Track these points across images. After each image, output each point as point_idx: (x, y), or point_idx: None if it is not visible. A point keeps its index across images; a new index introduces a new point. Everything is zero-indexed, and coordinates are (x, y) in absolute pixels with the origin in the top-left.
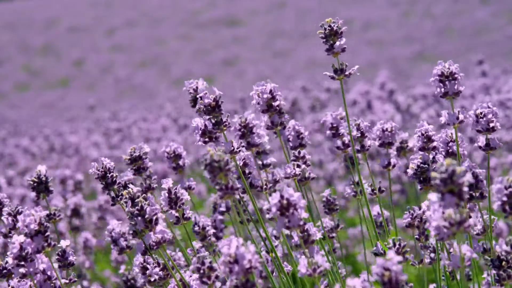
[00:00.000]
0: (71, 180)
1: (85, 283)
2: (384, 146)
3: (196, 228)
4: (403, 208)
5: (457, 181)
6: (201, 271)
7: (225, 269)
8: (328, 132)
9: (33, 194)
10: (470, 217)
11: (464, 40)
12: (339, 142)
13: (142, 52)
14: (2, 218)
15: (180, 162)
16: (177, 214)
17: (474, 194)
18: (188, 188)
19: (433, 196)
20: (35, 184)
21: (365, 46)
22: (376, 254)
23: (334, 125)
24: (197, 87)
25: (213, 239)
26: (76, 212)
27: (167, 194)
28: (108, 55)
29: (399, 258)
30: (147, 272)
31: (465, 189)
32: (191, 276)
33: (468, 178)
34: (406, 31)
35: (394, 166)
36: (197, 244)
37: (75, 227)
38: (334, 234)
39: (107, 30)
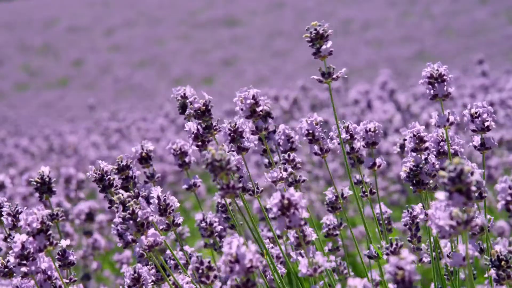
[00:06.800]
0: (74, 180)
1: (92, 284)
2: (368, 147)
3: (203, 224)
4: (403, 208)
5: (465, 180)
6: (200, 271)
7: (226, 269)
8: (304, 138)
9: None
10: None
11: (463, 40)
12: (316, 148)
13: (141, 52)
14: (2, 218)
15: (186, 159)
16: (167, 221)
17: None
18: (194, 185)
19: (441, 194)
20: (38, 185)
21: (364, 46)
22: (370, 257)
23: (310, 131)
24: (184, 94)
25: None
26: (90, 217)
27: (156, 202)
28: (107, 55)
29: (414, 257)
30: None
31: (473, 188)
32: (183, 279)
33: (477, 177)
34: (405, 31)
35: (379, 166)
36: (189, 249)
37: (88, 231)
38: (337, 232)
39: (105, 30)
